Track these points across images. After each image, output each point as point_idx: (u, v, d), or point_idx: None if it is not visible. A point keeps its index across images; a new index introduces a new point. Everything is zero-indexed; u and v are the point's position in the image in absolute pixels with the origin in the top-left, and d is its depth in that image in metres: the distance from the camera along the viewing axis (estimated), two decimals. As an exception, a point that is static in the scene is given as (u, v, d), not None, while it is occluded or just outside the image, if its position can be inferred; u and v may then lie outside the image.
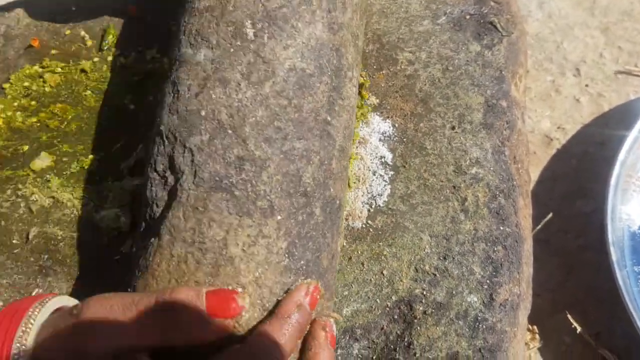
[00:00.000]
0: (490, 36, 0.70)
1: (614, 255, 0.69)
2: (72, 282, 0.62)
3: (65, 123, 0.71)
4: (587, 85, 0.90)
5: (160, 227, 0.48)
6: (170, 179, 0.50)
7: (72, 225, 0.64)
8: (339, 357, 0.56)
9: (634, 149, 0.76)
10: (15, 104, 0.73)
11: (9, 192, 0.67)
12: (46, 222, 0.65)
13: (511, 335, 0.56)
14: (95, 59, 0.75)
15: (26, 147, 0.69)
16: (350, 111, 0.56)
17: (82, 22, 0.79)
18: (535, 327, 0.72)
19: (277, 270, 0.47)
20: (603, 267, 0.70)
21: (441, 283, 0.57)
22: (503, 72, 0.67)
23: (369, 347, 0.56)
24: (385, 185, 0.63)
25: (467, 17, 0.72)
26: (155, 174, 0.51)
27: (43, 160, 0.68)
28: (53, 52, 0.77)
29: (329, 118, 0.52)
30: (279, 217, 0.48)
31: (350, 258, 0.60)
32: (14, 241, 0.63)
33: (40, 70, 0.75)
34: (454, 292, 0.57)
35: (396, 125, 0.66)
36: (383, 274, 0.59)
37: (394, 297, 0.57)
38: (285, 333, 0.44)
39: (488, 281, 0.57)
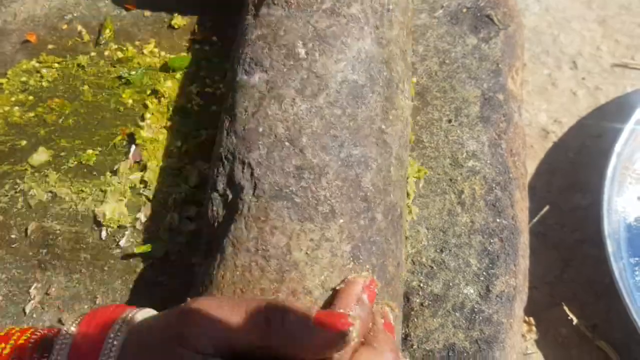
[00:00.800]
0: (487, 29, 0.70)
1: (610, 248, 0.69)
2: (71, 276, 0.62)
3: (63, 118, 0.71)
4: (584, 79, 0.90)
5: (223, 241, 0.49)
6: (231, 196, 0.51)
7: (70, 220, 0.64)
8: (337, 350, 0.56)
9: (630, 141, 0.76)
10: (13, 99, 0.73)
11: (7, 187, 0.67)
12: (44, 216, 0.65)
13: (507, 326, 0.56)
14: (93, 54, 0.76)
15: (24, 142, 0.70)
16: (404, 121, 0.58)
17: (79, 17, 0.79)
18: (532, 319, 0.73)
19: (342, 273, 0.47)
20: (600, 260, 0.71)
21: (438, 275, 0.57)
22: (500, 65, 0.68)
23: (366, 340, 0.56)
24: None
25: (464, 10, 0.72)
26: (215, 193, 0.53)
27: (41, 155, 0.68)
28: (50, 46, 0.77)
29: (383, 127, 0.54)
30: (341, 221, 0.48)
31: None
32: (12, 236, 0.64)
33: (37, 65, 0.75)
34: (450, 284, 0.57)
35: (393, 118, 0.66)
36: (380, 267, 0.59)
37: (391, 290, 0.58)
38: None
39: (484, 273, 0.57)
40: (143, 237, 0.63)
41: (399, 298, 0.52)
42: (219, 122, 0.57)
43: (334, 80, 0.53)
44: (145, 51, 0.75)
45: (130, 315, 0.43)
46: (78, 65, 0.74)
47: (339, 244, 0.48)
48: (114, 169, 0.67)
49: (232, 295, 0.46)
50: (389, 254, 0.51)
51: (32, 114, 0.71)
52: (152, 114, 0.69)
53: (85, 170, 0.67)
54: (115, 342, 0.41)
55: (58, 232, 0.64)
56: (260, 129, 0.52)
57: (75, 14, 0.79)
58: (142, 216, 0.64)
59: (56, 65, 0.75)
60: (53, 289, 0.61)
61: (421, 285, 0.57)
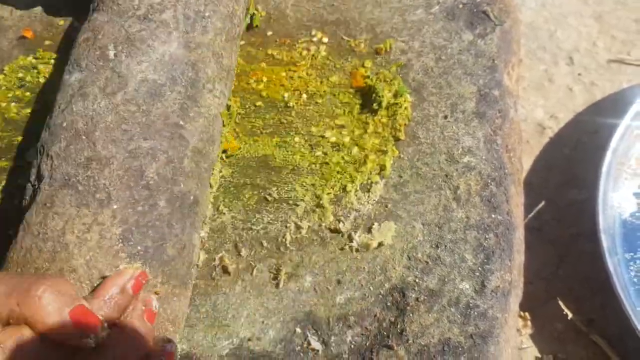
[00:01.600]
0: (483, 25, 0.70)
1: (605, 243, 0.69)
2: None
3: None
4: (580, 74, 0.90)
5: (20, 227, 0.55)
6: (37, 186, 0.57)
7: None
8: (333, 344, 0.56)
9: (625, 137, 0.76)
10: (10, 95, 0.73)
11: (4, 182, 0.67)
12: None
13: (502, 321, 0.56)
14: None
15: (20, 138, 0.70)
16: (210, 118, 0.62)
17: (76, 13, 0.79)
18: (527, 314, 0.73)
19: (109, 253, 0.52)
20: (595, 255, 0.71)
21: (433, 270, 0.58)
22: (496, 61, 0.68)
23: (362, 334, 0.57)
24: (378, 174, 0.63)
25: (460, 6, 0.72)
26: (28, 183, 0.58)
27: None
28: (47, 42, 0.77)
29: (181, 122, 0.59)
30: (115, 207, 0.53)
31: (343, 247, 0.61)
32: (9, 232, 0.64)
33: (34, 61, 0.75)
34: (446, 280, 0.57)
35: (389, 114, 0.66)
36: (376, 262, 0.59)
37: (387, 285, 0.58)
38: (101, 313, 0.47)
39: (480, 268, 0.57)
40: None
41: (179, 277, 0.56)
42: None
43: (134, 79, 0.58)
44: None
45: None
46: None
47: (109, 227, 0.53)
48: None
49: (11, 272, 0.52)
50: (170, 238, 0.55)
51: (29, 110, 0.71)
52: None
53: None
54: None
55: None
56: (64, 124, 0.57)
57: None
58: None
59: (52, 61, 0.75)
60: None
61: (417, 280, 0.58)
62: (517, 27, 0.73)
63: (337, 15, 0.75)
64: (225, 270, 0.62)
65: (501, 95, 0.66)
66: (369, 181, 0.63)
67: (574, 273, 0.77)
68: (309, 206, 0.63)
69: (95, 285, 0.51)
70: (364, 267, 0.59)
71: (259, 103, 0.70)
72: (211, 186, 0.65)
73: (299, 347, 0.57)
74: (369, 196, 0.62)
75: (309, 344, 0.57)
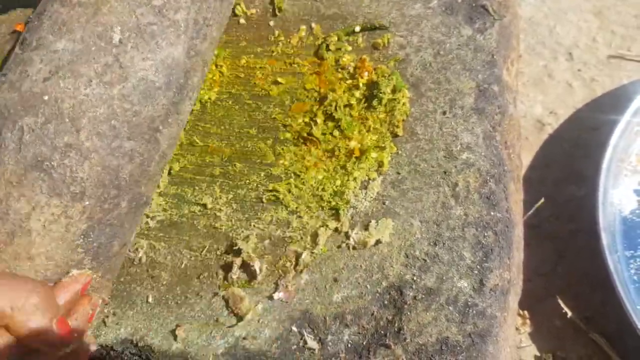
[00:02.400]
0: (482, 20, 0.69)
1: (605, 240, 0.69)
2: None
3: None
4: (579, 70, 0.89)
5: None
6: None
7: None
8: (330, 343, 0.56)
9: (626, 133, 0.76)
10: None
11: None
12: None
13: (501, 320, 0.56)
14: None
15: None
16: (181, 125, 0.62)
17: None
18: (526, 312, 0.72)
19: (69, 247, 0.52)
20: (595, 252, 0.70)
21: (431, 268, 0.57)
22: (495, 57, 0.67)
23: (359, 333, 0.56)
24: (375, 171, 0.62)
25: (459, 0, 0.71)
26: None
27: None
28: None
29: (161, 127, 0.58)
30: (86, 203, 0.52)
31: (340, 245, 0.60)
32: None
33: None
34: (444, 278, 0.56)
35: (387, 110, 0.65)
36: (373, 260, 0.59)
37: (384, 283, 0.57)
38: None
39: (478, 266, 0.57)
40: None
41: (114, 271, 0.58)
42: (6, 70, 0.57)
43: (134, 75, 0.55)
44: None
45: None
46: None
47: (76, 222, 0.52)
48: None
49: None
50: (119, 236, 0.56)
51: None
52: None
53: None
54: None
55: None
56: (46, 97, 0.52)
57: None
58: None
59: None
60: None
61: (414, 278, 0.57)
62: (516, 22, 0.72)
63: (335, 10, 0.74)
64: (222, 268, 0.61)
65: (500, 90, 0.65)
66: (367, 178, 0.62)
67: (573, 270, 0.76)
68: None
69: (47, 274, 0.52)
70: (361, 265, 0.59)
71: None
72: (159, 187, 0.66)
73: (295, 346, 0.56)
74: (366, 193, 0.62)
75: (305, 342, 0.56)
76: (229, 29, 0.74)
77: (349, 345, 0.56)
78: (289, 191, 0.64)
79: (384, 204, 0.61)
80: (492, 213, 0.59)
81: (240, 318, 0.58)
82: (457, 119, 0.63)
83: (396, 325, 0.55)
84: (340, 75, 0.69)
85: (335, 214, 0.61)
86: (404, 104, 0.65)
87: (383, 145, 0.63)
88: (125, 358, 0.59)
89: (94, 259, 0.54)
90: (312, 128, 0.66)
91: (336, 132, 0.65)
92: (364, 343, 0.55)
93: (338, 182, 0.63)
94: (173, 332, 0.59)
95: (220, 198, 0.65)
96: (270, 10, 0.76)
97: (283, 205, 0.63)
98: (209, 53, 0.64)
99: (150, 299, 0.61)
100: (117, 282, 0.62)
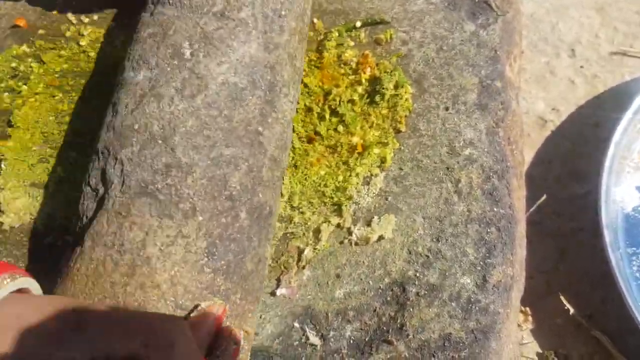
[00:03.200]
0: (485, 15, 0.69)
1: (607, 237, 0.69)
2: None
3: (54, 104, 0.70)
4: (582, 67, 0.89)
5: (85, 235, 0.50)
6: (101, 191, 0.52)
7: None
8: (332, 339, 0.56)
9: (628, 130, 0.75)
10: (2, 85, 0.71)
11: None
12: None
13: (504, 316, 0.55)
14: (82, 42, 0.74)
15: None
16: (285, 125, 0.59)
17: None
18: (528, 309, 0.72)
19: (194, 268, 0.49)
20: (596, 249, 0.70)
21: (434, 265, 0.57)
22: (498, 52, 0.67)
23: (361, 329, 0.56)
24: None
25: (462, -4, 0.71)
26: (88, 187, 0.54)
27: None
28: (40, 32, 0.75)
29: (260, 129, 0.56)
30: (200, 218, 0.50)
31: (342, 241, 0.60)
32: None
33: (27, 50, 0.73)
34: (447, 274, 0.56)
35: (389, 106, 0.65)
36: (376, 256, 0.58)
37: (386, 279, 0.57)
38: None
39: (481, 263, 0.56)
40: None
41: (254, 293, 0.53)
42: (103, 117, 0.57)
43: (214, 82, 0.55)
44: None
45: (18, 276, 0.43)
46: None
47: (194, 240, 0.49)
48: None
49: (83, 287, 0.47)
50: (249, 251, 0.52)
51: (20, 101, 0.70)
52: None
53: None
54: None
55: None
56: (136, 126, 0.53)
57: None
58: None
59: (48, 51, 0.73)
60: None
61: (417, 274, 0.57)
62: (519, 17, 0.72)
63: (337, 5, 0.74)
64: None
65: (503, 86, 0.65)
66: (369, 174, 0.62)
67: (575, 267, 0.76)
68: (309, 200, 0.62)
69: (179, 301, 0.48)
70: (363, 261, 0.58)
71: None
72: (282, 195, 0.63)
73: (297, 342, 0.56)
74: (368, 189, 0.61)
75: (307, 338, 0.56)
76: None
77: (351, 341, 0.55)
78: (292, 187, 0.63)
79: (386, 199, 0.61)
80: (495, 209, 0.59)
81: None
82: (460, 115, 0.63)
83: (399, 321, 0.55)
84: (342, 71, 0.68)
85: (338, 209, 0.61)
86: (406, 99, 0.65)
87: (386, 141, 0.63)
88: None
89: (227, 278, 0.50)
90: (318, 125, 0.65)
91: (340, 128, 0.65)
92: (366, 339, 0.55)
93: (340, 178, 0.63)
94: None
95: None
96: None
97: (285, 201, 0.63)
98: (293, 45, 0.62)
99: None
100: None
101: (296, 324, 0.57)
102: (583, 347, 0.71)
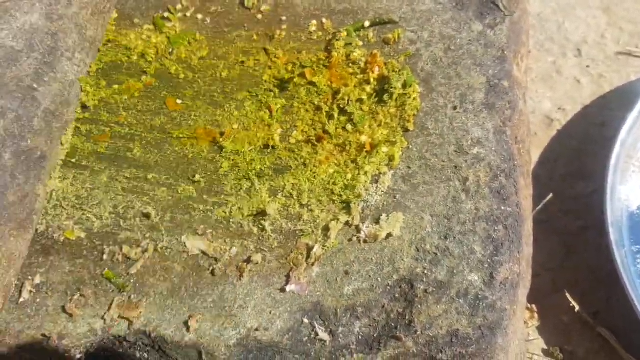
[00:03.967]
0: (492, 15, 0.70)
1: (612, 235, 0.69)
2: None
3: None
4: (588, 66, 0.89)
5: None
6: None
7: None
8: (341, 335, 0.56)
9: (634, 129, 0.76)
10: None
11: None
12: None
13: (511, 313, 0.56)
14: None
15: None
16: (66, 83, 0.69)
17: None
18: (534, 306, 0.73)
19: None
20: (602, 247, 0.71)
21: (442, 262, 0.58)
22: (505, 52, 0.67)
23: (370, 325, 0.56)
24: (386, 165, 0.63)
25: (470, -4, 0.71)
26: None
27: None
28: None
29: (35, 85, 0.65)
30: None
31: (351, 238, 0.61)
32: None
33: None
34: (455, 271, 0.57)
35: (398, 105, 0.66)
36: (384, 253, 0.59)
37: (395, 276, 0.58)
38: None
39: (489, 260, 0.57)
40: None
41: (20, 222, 0.62)
42: None
43: None
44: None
45: None
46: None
47: None
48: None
49: None
50: (11, 186, 0.61)
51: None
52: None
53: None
54: None
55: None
56: None
57: None
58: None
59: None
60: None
61: (425, 272, 0.57)
62: (526, 17, 0.73)
63: (345, 5, 0.74)
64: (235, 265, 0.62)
65: (511, 86, 0.65)
66: (378, 172, 0.63)
67: (581, 265, 0.76)
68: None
69: None
70: (371, 259, 0.59)
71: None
72: (62, 144, 0.69)
73: (306, 338, 0.57)
74: (377, 187, 0.62)
75: (316, 334, 0.57)
76: (240, 24, 0.75)
77: (360, 337, 0.56)
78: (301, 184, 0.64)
79: (394, 197, 0.61)
80: (502, 207, 0.59)
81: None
82: (468, 114, 0.64)
83: (407, 317, 0.56)
84: (351, 70, 0.69)
85: (347, 207, 0.62)
86: (414, 99, 0.65)
87: (394, 139, 0.64)
88: (139, 349, 0.60)
89: None
90: (327, 123, 0.66)
91: (349, 127, 0.65)
92: (375, 335, 0.56)
93: (349, 176, 0.63)
94: (186, 323, 0.59)
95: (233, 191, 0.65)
96: (282, 4, 0.76)
97: (294, 199, 0.64)
98: (84, 17, 0.71)
99: (163, 291, 0.62)
100: (129, 274, 0.63)
101: (305, 320, 0.58)
102: (589, 344, 0.72)
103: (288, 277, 0.60)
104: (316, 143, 0.66)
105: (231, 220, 0.64)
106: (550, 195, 0.77)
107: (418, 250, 0.59)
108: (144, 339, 0.60)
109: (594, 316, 0.73)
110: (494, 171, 0.61)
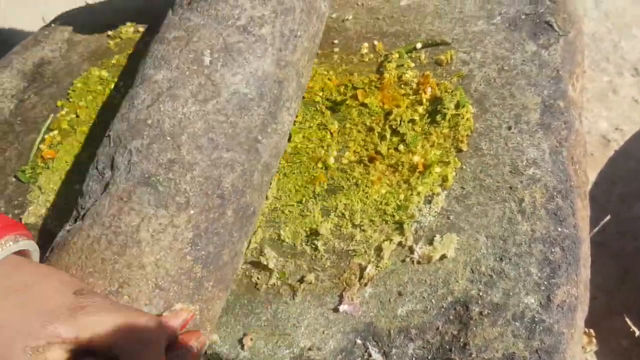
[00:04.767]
0: (546, 35, 0.69)
1: (675, 259, 0.67)
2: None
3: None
4: (645, 85, 0.88)
5: (86, 214, 0.56)
6: (107, 176, 0.58)
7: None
8: (394, 356, 0.56)
9: (696, 150, 0.74)
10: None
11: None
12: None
13: (568, 337, 0.55)
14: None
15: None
16: (282, 135, 0.65)
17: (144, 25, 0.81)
18: (591, 330, 0.71)
19: (178, 255, 0.54)
20: (663, 271, 0.69)
21: (497, 284, 0.57)
22: (560, 72, 0.67)
23: (424, 347, 0.56)
24: (440, 186, 0.63)
25: (523, 16, 0.71)
26: (95, 171, 0.59)
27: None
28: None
29: (259, 137, 0.61)
30: (191, 212, 0.55)
31: (404, 259, 0.61)
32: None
33: (105, 74, 0.77)
34: (510, 293, 0.56)
35: (451, 125, 0.66)
36: (438, 275, 0.59)
37: (449, 298, 0.58)
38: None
39: (545, 282, 0.56)
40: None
41: (226, 282, 0.58)
42: (120, 107, 0.62)
43: (227, 90, 0.60)
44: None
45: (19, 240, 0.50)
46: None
47: (183, 230, 0.55)
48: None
49: (77, 259, 0.53)
50: (228, 245, 0.58)
51: (97, 121, 0.74)
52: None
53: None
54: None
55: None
56: (149, 121, 0.58)
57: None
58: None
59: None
60: None
61: (480, 294, 0.57)
62: (581, 37, 0.72)
63: (397, 27, 0.75)
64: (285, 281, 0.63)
65: (566, 106, 0.65)
66: (431, 192, 0.63)
67: (638, 287, 0.74)
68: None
69: (159, 282, 0.53)
70: (425, 280, 0.59)
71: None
72: (267, 198, 0.67)
73: (359, 358, 0.57)
74: (430, 207, 0.62)
75: (369, 355, 0.57)
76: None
77: (414, 359, 0.56)
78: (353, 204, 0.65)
79: (448, 218, 0.61)
80: (559, 229, 0.58)
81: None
82: (523, 134, 0.63)
83: (461, 340, 0.55)
84: (403, 91, 0.70)
85: (399, 228, 0.62)
86: (467, 119, 0.65)
87: (447, 160, 0.64)
88: (194, 365, 0.61)
89: (204, 267, 0.55)
90: (379, 144, 0.67)
91: (401, 147, 0.66)
92: (429, 357, 0.56)
93: (402, 197, 0.63)
94: (240, 340, 0.60)
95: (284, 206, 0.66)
96: (334, 28, 0.77)
97: (347, 219, 0.64)
98: (302, 64, 0.66)
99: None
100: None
101: (358, 341, 0.58)
102: (650, 371, 0.70)
103: (341, 297, 0.60)
104: (368, 163, 0.67)
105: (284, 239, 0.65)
106: (608, 217, 0.75)
107: (473, 272, 0.58)
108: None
109: (656, 342, 0.71)
110: (550, 192, 0.60)
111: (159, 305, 0.53)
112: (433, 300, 0.58)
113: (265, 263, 0.63)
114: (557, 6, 0.72)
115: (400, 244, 0.61)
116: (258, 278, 0.64)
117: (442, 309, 0.57)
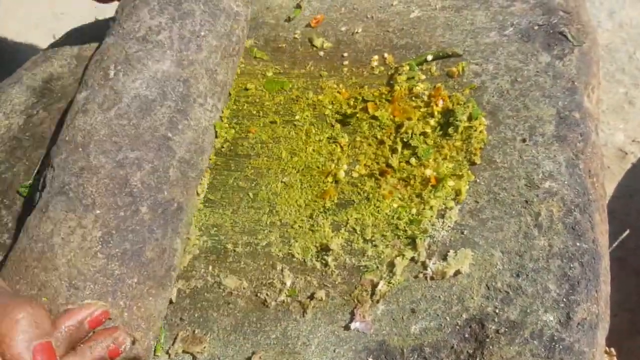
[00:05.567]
0: (560, 46, 0.68)
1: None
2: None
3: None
4: (662, 97, 0.86)
5: (23, 229, 0.61)
6: (40, 194, 0.63)
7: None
8: (408, 376, 0.54)
9: None
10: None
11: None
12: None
13: (590, 356, 0.53)
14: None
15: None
16: (199, 130, 0.68)
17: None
18: (612, 349, 0.69)
19: (88, 254, 0.58)
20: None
21: (514, 301, 0.55)
22: (575, 83, 0.65)
23: (438, 366, 0.54)
24: (453, 200, 0.61)
25: (536, 27, 0.70)
26: (37, 192, 0.65)
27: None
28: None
29: (169, 134, 0.65)
30: (97, 212, 0.59)
31: (417, 275, 0.59)
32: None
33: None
34: (528, 311, 0.54)
35: (463, 138, 0.65)
36: (452, 291, 0.57)
37: (464, 315, 0.56)
38: (57, 344, 0.51)
39: (564, 299, 0.54)
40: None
41: (157, 279, 0.60)
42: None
43: (127, 95, 0.65)
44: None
45: None
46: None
47: (91, 230, 0.58)
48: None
49: (9, 270, 0.59)
50: (149, 242, 0.60)
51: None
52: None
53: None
54: None
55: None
56: (67, 138, 0.64)
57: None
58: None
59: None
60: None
61: (496, 311, 0.55)
62: (596, 48, 0.70)
63: (407, 40, 0.74)
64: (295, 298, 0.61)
65: (582, 117, 0.63)
66: (444, 206, 0.61)
67: (662, 306, 0.72)
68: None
69: (73, 281, 0.56)
70: (439, 296, 0.57)
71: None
72: (198, 194, 0.69)
73: (371, 378, 0.55)
74: (443, 222, 0.61)
75: (382, 374, 0.55)
76: (304, 61, 0.76)
77: (428, 378, 0.54)
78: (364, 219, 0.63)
79: (462, 233, 0.60)
80: (577, 244, 0.57)
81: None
82: (538, 147, 0.62)
83: (477, 359, 0.54)
84: (414, 104, 0.68)
85: (412, 243, 0.61)
86: (480, 131, 0.64)
87: (460, 173, 0.62)
88: (202, 385, 0.59)
89: (122, 264, 0.58)
90: (390, 157, 0.65)
91: (413, 160, 0.64)
92: (444, 377, 0.54)
93: (414, 211, 0.62)
94: (249, 359, 0.59)
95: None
96: (344, 41, 0.76)
97: (358, 234, 0.63)
98: (214, 61, 0.71)
99: (227, 326, 0.62)
100: (194, 307, 0.63)
101: (371, 359, 0.56)
102: (674, 391, 0.67)
103: (352, 314, 0.59)
104: (379, 177, 0.65)
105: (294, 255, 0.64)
106: (627, 231, 0.73)
107: (488, 288, 0.56)
108: (207, 376, 0.59)
109: (679, 361, 0.68)
110: (568, 206, 0.58)
111: (77, 305, 0.56)
112: (447, 318, 0.56)
113: (282, 280, 0.62)
114: (571, 17, 0.70)
115: (413, 259, 0.60)
116: (267, 295, 0.62)
117: (457, 327, 0.55)
